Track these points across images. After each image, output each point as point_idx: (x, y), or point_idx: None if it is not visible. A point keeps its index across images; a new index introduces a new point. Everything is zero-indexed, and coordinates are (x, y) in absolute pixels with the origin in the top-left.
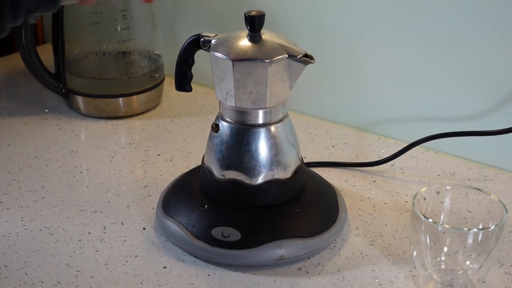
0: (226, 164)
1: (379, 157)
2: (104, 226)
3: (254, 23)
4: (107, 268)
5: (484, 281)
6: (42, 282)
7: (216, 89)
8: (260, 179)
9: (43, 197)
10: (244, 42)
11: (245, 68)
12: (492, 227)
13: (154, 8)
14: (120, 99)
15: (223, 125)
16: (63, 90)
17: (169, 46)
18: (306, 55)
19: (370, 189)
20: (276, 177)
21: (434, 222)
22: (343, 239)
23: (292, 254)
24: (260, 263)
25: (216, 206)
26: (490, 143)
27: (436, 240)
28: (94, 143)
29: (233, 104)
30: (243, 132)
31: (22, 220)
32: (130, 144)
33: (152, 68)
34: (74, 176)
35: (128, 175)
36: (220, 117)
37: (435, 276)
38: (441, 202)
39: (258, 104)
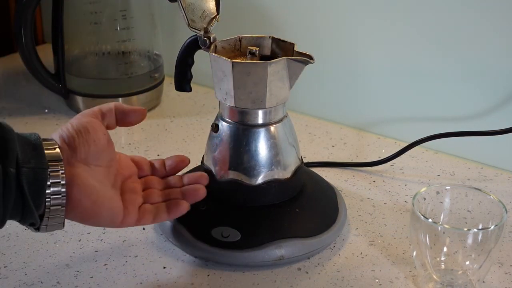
0: (226, 164)
1: (379, 157)
2: None
3: None
4: (106, 268)
5: (484, 281)
6: (41, 283)
7: (216, 89)
8: (260, 179)
9: None
10: None
11: (245, 68)
12: (492, 227)
13: (154, 8)
14: (120, 99)
15: (223, 125)
16: (63, 90)
17: (169, 46)
18: (304, 55)
19: (370, 189)
20: (276, 177)
21: (434, 222)
22: (343, 239)
23: (292, 254)
24: (260, 263)
25: (215, 206)
26: (490, 143)
27: (435, 240)
28: None
29: (233, 104)
30: (243, 132)
31: None
32: (130, 144)
33: (151, 68)
34: None
35: None
36: (219, 117)
37: (434, 276)
38: (441, 202)
39: (257, 104)
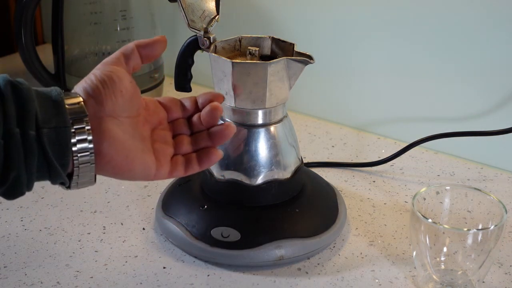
0: (225, 164)
1: (379, 157)
2: (104, 227)
3: None
4: (106, 269)
5: (483, 281)
6: (41, 283)
7: (216, 89)
8: (260, 180)
9: (42, 198)
10: None
11: (245, 68)
12: (492, 227)
13: (154, 8)
14: None
15: None
16: (63, 91)
17: (169, 46)
18: (304, 55)
19: (369, 189)
20: (276, 177)
21: (434, 222)
22: (343, 239)
23: (292, 254)
24: (260, 263)
25: (215, 206)
26: (490, 143)
27: (435, 240)
28: None
29: (233, 104)
30: (243, 133)
31: (21, 220)
32: None
33: (151, 68)
34: None
35: None
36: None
37: (434, 277)
38: (441, 202)
39: (257, 104)
